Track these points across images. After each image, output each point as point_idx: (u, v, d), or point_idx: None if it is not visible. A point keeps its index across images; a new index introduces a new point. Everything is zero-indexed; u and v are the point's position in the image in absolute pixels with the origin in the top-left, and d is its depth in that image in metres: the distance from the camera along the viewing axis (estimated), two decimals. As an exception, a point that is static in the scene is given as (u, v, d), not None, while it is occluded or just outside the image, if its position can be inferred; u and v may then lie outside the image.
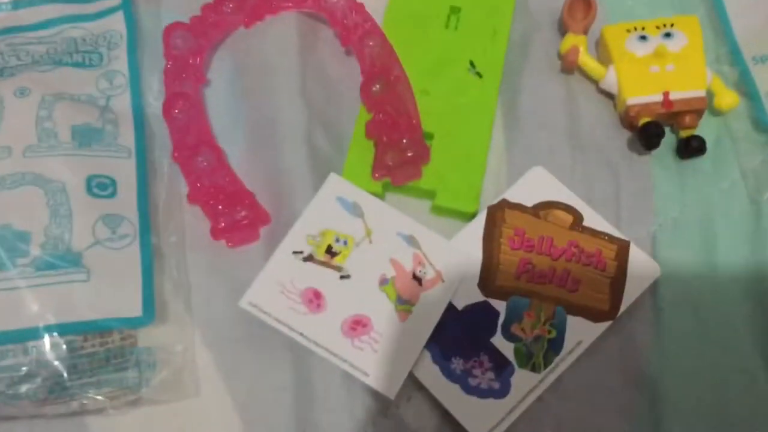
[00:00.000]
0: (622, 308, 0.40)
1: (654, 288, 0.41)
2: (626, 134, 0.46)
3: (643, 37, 0.45)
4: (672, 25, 0.46)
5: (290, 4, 0.48)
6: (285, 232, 0.41)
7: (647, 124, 0.43)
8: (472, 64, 0.47)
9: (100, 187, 0.41)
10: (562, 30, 0.48)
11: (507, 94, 0.47)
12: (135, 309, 0.39)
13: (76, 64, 0.46)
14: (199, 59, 0.46)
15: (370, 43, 0.46)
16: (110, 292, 0.39)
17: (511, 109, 0.46)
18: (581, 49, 0.46)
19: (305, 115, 0.45)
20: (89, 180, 0.41)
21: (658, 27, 0.46)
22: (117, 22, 0.48)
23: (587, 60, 0.46)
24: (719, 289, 0.41)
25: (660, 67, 0.45)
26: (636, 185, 0.44)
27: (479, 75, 0.46)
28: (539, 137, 0.46)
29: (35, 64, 0.45)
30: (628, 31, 0.46)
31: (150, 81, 0.46)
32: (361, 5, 0.47)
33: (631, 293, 0.40)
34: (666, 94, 0.44)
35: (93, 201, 0.41)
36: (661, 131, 0.43)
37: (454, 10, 0.48)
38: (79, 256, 0.39)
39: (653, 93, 0.44)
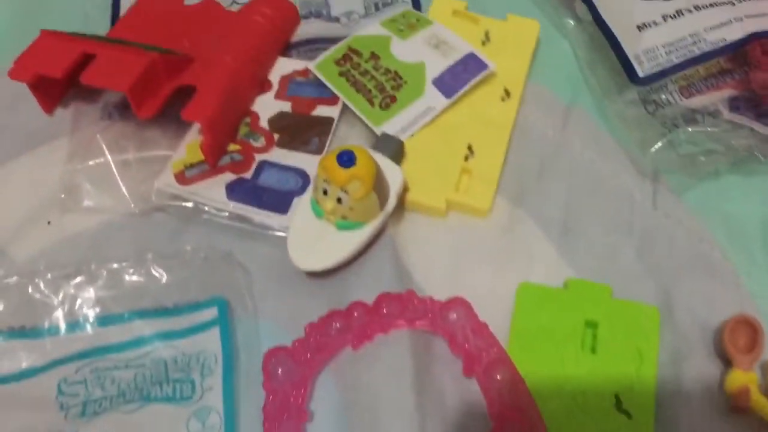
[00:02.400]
0: None
1: None
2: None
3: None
4: None
5: (403, 322, 0.42)
6: None
7: None
8: (617, 399, 0.40)
9: None
10: (720, 352, 0.41)
11: (663, 440, 0.39)
12: None
13: (167, 399, 0.41)
14: (302, 391, 0.41)
15: (498, 377, 0.40)
16: None
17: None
18: (752, 388, 0.39)
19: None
20: None
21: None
22: (212, 341, 0.43)
23: (762, 401, 0.39)
24: None
25: None
26: None
27: (628, 415, 0.39)
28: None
29: (120, 397, 0.41)
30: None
31: (246, 418, 0.41)
32: (484, 326, 0.42)
33: None
34: None
35: None
36: None
37: (590, 325, 0.42)
38: None
39: None
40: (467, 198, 0.47)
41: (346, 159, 0.42)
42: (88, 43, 0.49)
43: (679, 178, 0.48)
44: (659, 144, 0.47)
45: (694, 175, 0.48)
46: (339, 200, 0.43)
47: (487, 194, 0.47)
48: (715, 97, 0.48)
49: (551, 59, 0.54)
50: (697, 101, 0.48)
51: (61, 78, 0.48)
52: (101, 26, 0.56)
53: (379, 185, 0.43)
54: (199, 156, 0.48)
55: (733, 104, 0.48)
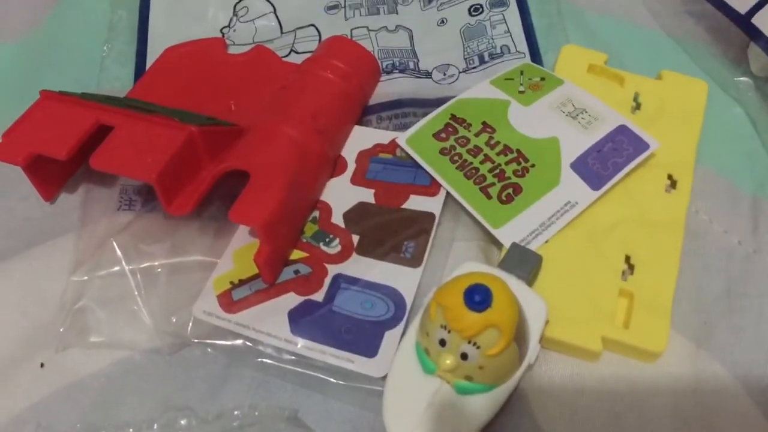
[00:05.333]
0: None
1: None
2: None
3: None
4: None
5: None
6: None
7: None
8: None
9: None
10: None
11: None
12: None
13: None
14: None
15: None
16: None
17: None
18: None
19: None
20: None
21: None
22: None
23: None
24: None
25: None
26: None
27: None
28: None
29: None
30: None
31: None
32: None
33: None
34: None
35: None
36: None
37: None
38: None
39: None
40: (633, 337, 0.33)
41: (479, 299, 0.28)
42: (103, 109, 0.36)
43: None
44: None
45: None
46: (464, 356, 0.29)
47: (659, 330, 0.33)
48: None
49: (721, 132, 0.40)
50: None
51: (65, 159, 0.35)
52: (121, 82, 0.43)
53: (520, 332, 0.29)
54: (252, 269, 0.35)
55: None
